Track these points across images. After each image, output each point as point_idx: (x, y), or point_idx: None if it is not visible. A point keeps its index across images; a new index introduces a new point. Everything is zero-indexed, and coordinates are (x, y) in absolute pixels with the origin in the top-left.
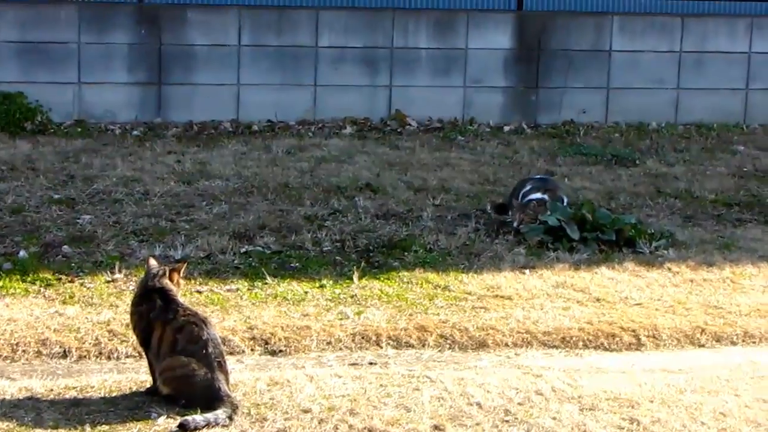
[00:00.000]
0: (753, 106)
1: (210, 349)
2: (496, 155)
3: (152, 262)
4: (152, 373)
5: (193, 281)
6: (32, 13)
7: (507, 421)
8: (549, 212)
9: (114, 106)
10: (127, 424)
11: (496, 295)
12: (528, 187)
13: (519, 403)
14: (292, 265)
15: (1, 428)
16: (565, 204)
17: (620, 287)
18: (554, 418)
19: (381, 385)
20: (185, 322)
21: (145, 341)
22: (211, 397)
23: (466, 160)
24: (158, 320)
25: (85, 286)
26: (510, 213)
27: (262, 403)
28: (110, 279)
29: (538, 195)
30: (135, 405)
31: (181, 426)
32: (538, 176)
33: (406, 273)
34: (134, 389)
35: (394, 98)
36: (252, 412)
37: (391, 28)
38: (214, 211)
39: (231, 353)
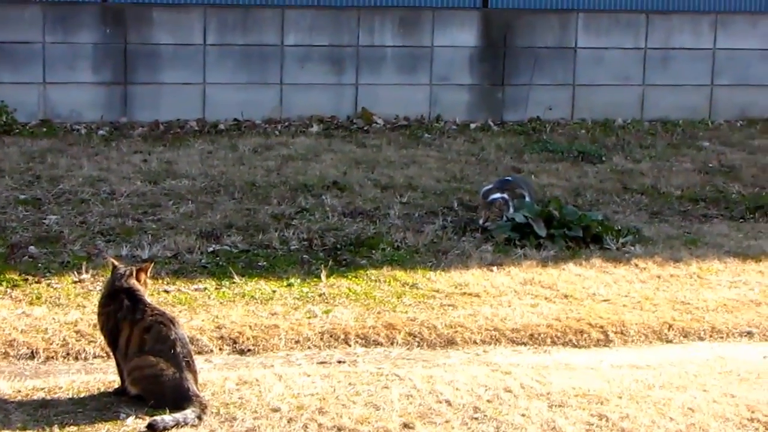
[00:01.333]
0: (718, 102)
1: (178, 349)
2: (463, 152)
3: (116, 262)
4: (120, 373)
5: (160, 281)
6: None
7: (476, 419)
8: (511, 210)
9: (79, 105)
10: (96, 424)
11: (464, 293)
12: (490, 187)
13: (488, 401)
14: (259, 264)
15: None
16: (526, 200)
17: (588, 284)
18: (523, 415)
19: (350, 384)
20: (153, 322)
21: (112, 342)
22: (179, 397)
23: (433, 157)
24: (126, 320)
25: (52, 287)
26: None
27: (231, 402)
28: (77, 279)
29: (499, 195)
30: (103, 406)
31: (150, 426)
32: (504, 178)
33: (374, 271)
34: (102, 390)
35: (360, 96)
36: (221, 411)
37: (356, 26)
38: (180, 211)
39: (199, 353)
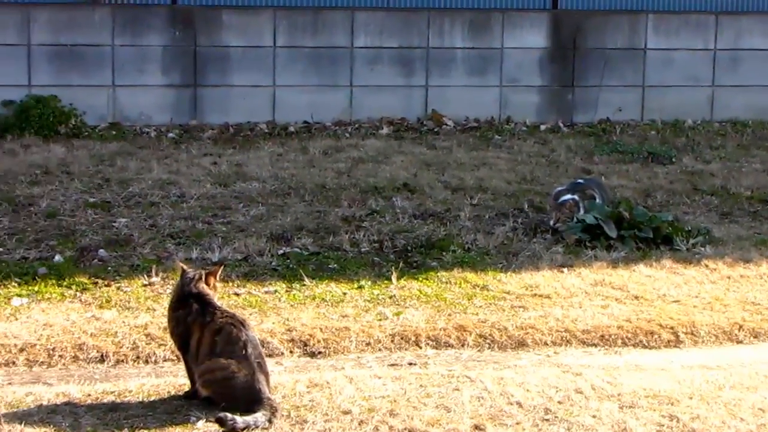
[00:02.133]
0: None
1: (249, 350)
2: (533, 154)
3: (185, 266)
4: (191, 376)
5: (230, 283)
6: (66, 16)
7: (547, 420)
8: (582, 212)
9: (149, 108)
10: (166, 428)
11: (535, 294)
12: (561, 189)
13: (559, 402)
14: (330, 266)
15: None
16: (597, 202)
17: (658, 284)
18: (594, 416)
19: (421, 386)
20: (223, 324)
21: (183, 345)
22: (251, 400)
23: (503, 159)
24: (196, 323)
25: (121, 290)
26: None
27: (302, 405)
28: (147, 282)
29: (569, 196)
30: (174, 409)
31: (219, 420)
32: (576, 180)
33: (444, 273)
34: (173, 393)
35: (430, 98)
36: (292, 414)
37: (426, 27)
38: (251, 213)
39: (270, 355)
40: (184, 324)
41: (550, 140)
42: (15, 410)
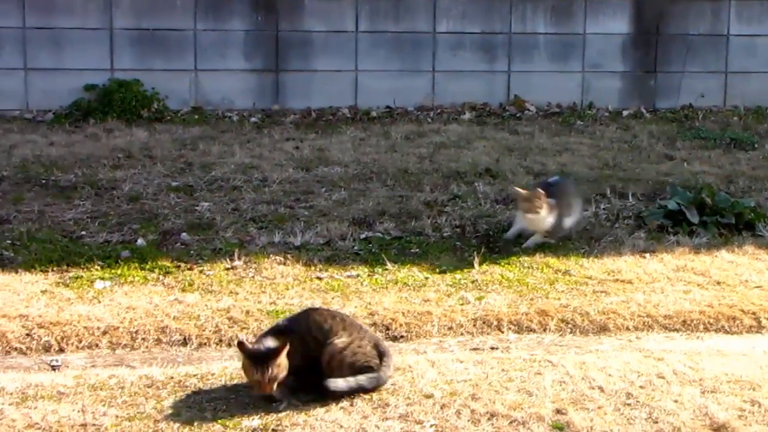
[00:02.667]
0: None
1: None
2: (615, 140)
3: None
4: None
5: (312, 267)
6: (148, 1)
7: (629, 405)
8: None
9: (231, 93)
10: (249, 411)
11: (617, 279)
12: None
13: (641, 387)
14: (412, 250)
15: (122, 416)
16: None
17: (740, 270)
18: (676, 401)
19: (503, 370)
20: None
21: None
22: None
23: (585, 144)
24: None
25: (204, 274)
26: None
27: (384, 388)
28: (229, 266)
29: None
30: None
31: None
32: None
33: (526, 258)
34: None
35: (512, 83)
36: (374, 397)
37: (508, 13)
38: (333, 198)
39: None
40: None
41: (633, 126)
42: (98, 392)
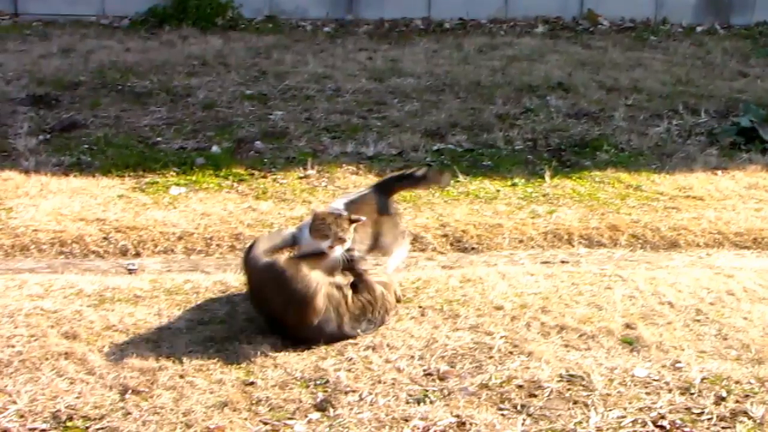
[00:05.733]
0: None
1: None
2: (689, 56)
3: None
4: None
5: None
6: None
7: (698, 321)
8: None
9: (305, 2)
10: None
11: (688, 196)
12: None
13: (710, 303)
14: (483, 163)
15: (196, 319)
16: None
17: None
18: (745, 318)
19: (573, 284)
20: None
21: None
22: None
23: (658, 60)
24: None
25: (277, 182)
26: None
27: (455, 299)
28: (303, 175)
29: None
30: None
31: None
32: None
33: (597, 172)
34: None
35: None
36: (444, 308)
37: None
38: (405, 109)
39: (423, 250)
40: None
41: (706, 42)
42: (174, 297)
